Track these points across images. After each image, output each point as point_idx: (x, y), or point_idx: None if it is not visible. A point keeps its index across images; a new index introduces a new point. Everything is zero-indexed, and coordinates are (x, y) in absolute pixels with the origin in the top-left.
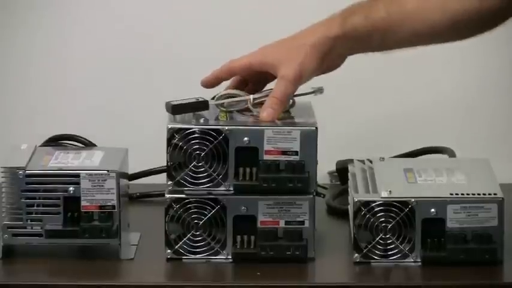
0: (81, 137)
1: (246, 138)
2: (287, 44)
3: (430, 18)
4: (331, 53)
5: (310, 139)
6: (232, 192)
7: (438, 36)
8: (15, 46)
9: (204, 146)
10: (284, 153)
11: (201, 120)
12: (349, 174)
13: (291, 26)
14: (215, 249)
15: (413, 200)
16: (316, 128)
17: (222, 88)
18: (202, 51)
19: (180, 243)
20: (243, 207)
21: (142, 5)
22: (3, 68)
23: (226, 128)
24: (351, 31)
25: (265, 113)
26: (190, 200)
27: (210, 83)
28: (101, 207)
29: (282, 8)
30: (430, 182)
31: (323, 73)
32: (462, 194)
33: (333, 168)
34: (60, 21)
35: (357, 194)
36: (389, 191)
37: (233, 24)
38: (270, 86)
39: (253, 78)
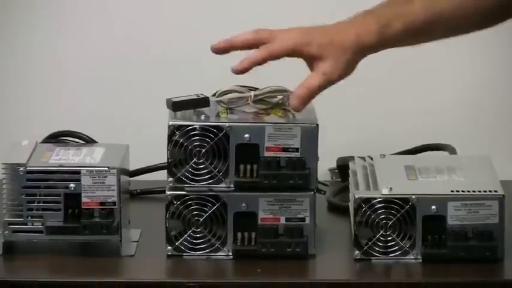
0: (82, 134)
1: (246, 135)
2: (334, 39)
3: (467, 13)
4: (363, 57)
5: (310, 136)
6: (232, 189)
7: (467, 29)
8: (15, 45)
9: (204, 143)
10: (285, 150)
11: (202, 117)
12: (349, 171)
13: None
14: (216, 246)
15: (414, 197)
16: (317, 124)
17: (223, 86)
18: (204, 48)
19: (181, 240)
20: (244, 204)
21: (142, 4)
22: (4, 66)
23: (227, 124)
24: (392, 40)
25: (296, 101)
26: (191, 196)
27: (245, 70)
28: (101, 203)
29: (279, 9)
30: (430, 179)
31: None
32: (463, 191)
33: (334, 165)
34: (61, 21)
35: (358, 191)
36: (390, 188)
37: (232, 24)
38: (271, 83)
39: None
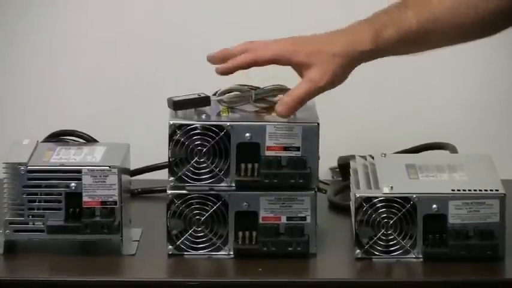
0: (83, 133)
1: (247, 134)
2: (321, 47)
3: (463, 23)
4: (359, 64)
5: (311, 135)
6: (233, 188)
7: (468, 37)
8: (14, 44)
9: (205, 142)
10: (286, 149)
11: (203, 116)
12: (350, 170)
13: (291, 26)
14: (217, 245)
15: (415, 196)
16: (318, 123)
17: (224, 85)
18: (205, 48)
19: (182, 239)
20: (245, 203)
21: (143, 3)
22: (4, 66)
23: (228, 123)
24: (385, 46)
25: (281, 108)
26: (192, 195)
27: (229, 71)
28: (102, 203)
29: (281, 10)
30: (431, 178)
31: None
32: (464, 190)
33: (335, 164)
34: (61, 20)
35: (359, 190)
36: (391, 187)
37: (234, 22)
38: (273, 82)
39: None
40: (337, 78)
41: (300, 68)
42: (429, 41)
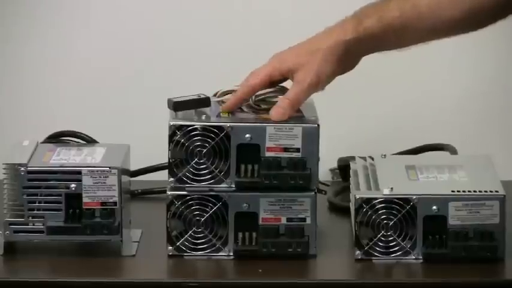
0: (83, 134)
1: (247, 135)
2: (303, 48)
3: (446, 14)
4: (347, 55)
5: (311, 136)
6: (233, 189)
7: (454, 30)
8: (15, 44)
9: (205, 143)
10: (286, 150)
11: (203, 117)
12: (350, 171)
13: (294, 26)
14: (217, 246)
15: (414, 197)
16: (318, 125)
17: (225, 86)
18: (205, 49)
19: (182, 240)
20: (245, 204)
21: (144, 4)
22: (4, 66)
23: (228, 125)
24: (365, 33)
25: (274, 112)
26: (192, 196)
27: (235, 106)
28: (102, 203)
29: (286, 9)
30: (431, 179)
31: (339, 74)
32: (464, 191)
33: (335, 165)
34: (61, 19)
35: (359, 191)
36: (391, 188)
37: (235, 22)
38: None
39: (276, 85)
40: (325, 73)
41: (290, 74)
42: (413, 31)
